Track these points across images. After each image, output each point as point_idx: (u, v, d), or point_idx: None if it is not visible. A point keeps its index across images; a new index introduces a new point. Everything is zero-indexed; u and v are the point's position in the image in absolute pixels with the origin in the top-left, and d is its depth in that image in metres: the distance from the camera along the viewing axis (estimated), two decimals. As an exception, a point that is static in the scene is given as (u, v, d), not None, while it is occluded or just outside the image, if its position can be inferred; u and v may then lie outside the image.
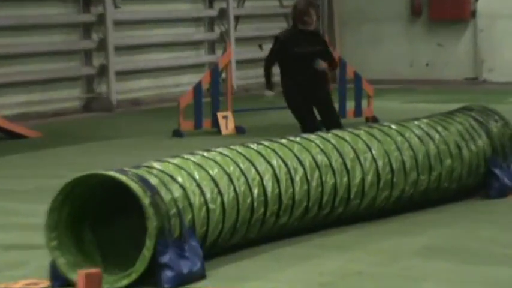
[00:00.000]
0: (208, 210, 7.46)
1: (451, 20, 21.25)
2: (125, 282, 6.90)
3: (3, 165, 14.07)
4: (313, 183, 8.47)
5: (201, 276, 7.21)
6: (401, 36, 22.40)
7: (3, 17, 18.87)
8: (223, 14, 22.47)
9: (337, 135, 9.27)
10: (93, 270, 2.88)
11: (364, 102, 16.33)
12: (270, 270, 7.56)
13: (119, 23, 20.92)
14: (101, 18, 20.56)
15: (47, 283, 7.16)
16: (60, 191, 7.18)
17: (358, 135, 9.34)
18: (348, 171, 8.71)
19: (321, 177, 8.57)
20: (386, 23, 22.45)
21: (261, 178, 7.99)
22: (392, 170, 9.16)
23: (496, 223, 9.26)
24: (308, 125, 12.59)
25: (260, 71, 15.73)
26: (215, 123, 15.96)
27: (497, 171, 10.22)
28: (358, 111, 16.19)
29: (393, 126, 9.82)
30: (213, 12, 23.13)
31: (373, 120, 15.36)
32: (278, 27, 20.80)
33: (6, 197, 11.60)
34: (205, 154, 8.07)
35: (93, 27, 20.26)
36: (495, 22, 21.19)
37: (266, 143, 8.66)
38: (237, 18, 22.76)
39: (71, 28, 20.47)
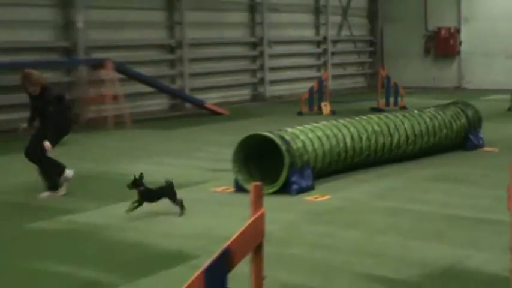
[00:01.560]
0: (316, 154, 10.96)
1: (447, 55, 29.96)
2: (272, 190, 10.26)
3: (212, 128, 18.85)
4: (372, 141, 12.12)
5: (311, 188, 10.62)
6: (419, 63, 30.45)
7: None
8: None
9: (385, 116, 12.95)
10: (257, 183, 4.22)
11: (399, 99, 21.67)
12: (350, 186, 11.03)
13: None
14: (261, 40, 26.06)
15: (233, 189, 10.77)
16: (239, 142, 10.77)
17: (396, 116, 13.16)
18: (390, 134, 12.46)
19: (376, 138, 12.20)
20: (411, 56, 30.50)
21: (344, 137, 11.61)
22: (414, 135, 12.92)
23: (471, 163, 13.04)
24: None
25: (342, 81, 23.20)
26: (319, 108, 20.75)
27: (471, 136, 14.15)
28: (396, 103, 21.51)
29: (415, 111, 13.78)
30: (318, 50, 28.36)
31: (404, 108, 19.99)
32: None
33: (220, 145, 15.36)
34: (314, 124, 11.70)
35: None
36: (471, 56, 29.47)
37: (347, 119, 12.35)
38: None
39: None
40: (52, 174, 11.17)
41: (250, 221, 4.15)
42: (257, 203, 4.22)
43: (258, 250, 4.19)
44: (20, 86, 11.14)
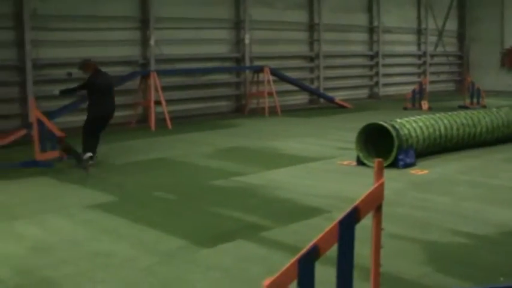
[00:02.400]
0: (418, 139, 10.87)
1: None
2: (384, 164, 10.00)
3: (339, 118, 19.01)
4: (460, 131, 11.83)
5: (414, 164, 10.55)
6: (496, 73, 28.68)
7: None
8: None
9: (470, 112, 12.56)
10: (379, 159, 4.13)
11: (481, 99, 20.68)
12: (443, 164, 10.82)
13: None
14: (376, 53, 25.15)
15: (355, 163, 10.77)
16: (361, 128, 10.79)
17: (479, 112, 12.68)
18: (474, 126, 12.08)
19: (463, 128, 11.90)
20: (490, 67, 28.79)
21: (439, 127, 11.42)
22: (493, 127, 12.41)
23: None
24: None
25: (437, 85, 21.79)
26: (420, 105, 20.17)
27: None
28: (478, 103, 20.44)
29: (494, 109, 13.13)
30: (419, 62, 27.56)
31: (484, 107, 18.96)
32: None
33: (345, 130, 15.90)
34: (417, 117, 11.54)
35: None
36: None
37: (441, 113, 12.04)
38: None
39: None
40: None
41: (374, 186, 4.13)
42: (379, 174, 4.19)
43: (378, 209, 4.16)
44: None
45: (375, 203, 4.14)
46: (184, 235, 6.76)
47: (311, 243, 3.71)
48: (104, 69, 16.83)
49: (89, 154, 11.07)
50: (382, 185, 4.16)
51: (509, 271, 5.61)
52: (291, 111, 20.47)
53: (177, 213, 7.87)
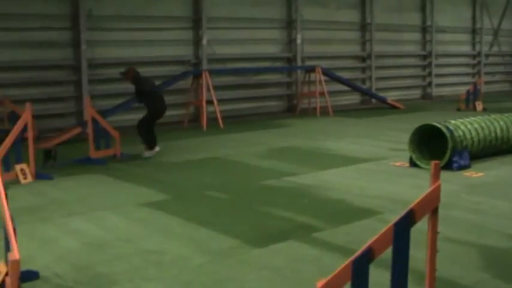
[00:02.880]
0: (472, 141, 10.62)
1: None
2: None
3: (392, 118, 19.01)
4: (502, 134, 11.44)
5: (469, 166, 10.33)
6: None
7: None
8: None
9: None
10: (436, 161, 3.98)
11: None
12: (499, 166, 10.53)
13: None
14: (430, 53, 25.41)
15: (408, 165, 10.57)
16: (414, 129, 10.60)
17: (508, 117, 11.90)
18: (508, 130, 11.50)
19: (502, 131, 11.33)
20: None
21: (495, 129, 11.13)
22: None
23: None
24: None
25: (492, 86, 21.37)
26: (474, 106, 19.78)
27: None
28: None
29: None
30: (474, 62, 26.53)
31: None
32: None
33: (398, 131, 15.68)
34: (472, 118, 11.27)
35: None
36: None
37: (497, 115, 11.77)
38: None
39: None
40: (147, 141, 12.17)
41: (430, 189, 4.04)
42: (436, 177, 4.09)
43: (434, 212, 4.08)
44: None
45: (431, 205, 4.06)
46: (236, 234, 6.78)
47: (366, 245, 3.68)
48: (157, 68, 17.41)
49: (157, 148, 12.22)
50: (438, 188, 4.07)
51: None
52: (342, 111, 20.33)
53: (229, 212, 7.90)
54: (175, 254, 6.18)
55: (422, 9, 25.39)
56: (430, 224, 4.09)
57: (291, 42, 20.72)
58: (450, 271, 5.50)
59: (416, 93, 25.56)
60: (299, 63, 20.68)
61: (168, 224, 7.32)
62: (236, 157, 11.88)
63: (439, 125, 10.43)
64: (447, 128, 10.40)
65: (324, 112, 19.23)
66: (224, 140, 14.29)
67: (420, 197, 3.99)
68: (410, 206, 3.95)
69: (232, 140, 14.21)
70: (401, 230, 3.87)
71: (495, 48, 28.72)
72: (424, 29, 25.50)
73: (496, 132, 11.14)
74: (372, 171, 10.30)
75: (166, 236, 6.81)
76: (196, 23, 18.40)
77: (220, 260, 6.00)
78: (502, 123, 11.36)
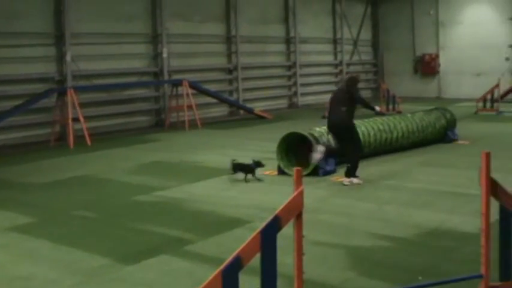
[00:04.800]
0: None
1: (429, 73, 29.60)
2: (305, 173, 10.09)
3: (259, 129, 18.92)
4: (378, 137, 12.13)
5: (334, 171, 10.67)
6: (410, 79, 30.23)
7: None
8: None
9: (387, 118, 12.97)
10: (298, 168, 4.14)
11: (396, 105, 21.44)
12: (362, 170, 10.51)
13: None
14: (294, 63, 25.41)
15: (276, 173, 10.83)
16: (281, 138, 10.93)
17: (395, 118, 13.16)
18: (391, 132, 12.41)
19: (380, 134, 12.19)
20: (404, 74, 30.39)
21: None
22: (408, 132, 12.82)
23: (449, 152, 12.88)
24: None
25: None
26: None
27: (449, 132, 13.98)
28: (394, 109, 21.25)
29: (408, 115, 13.66)
30: (336, 71, 27.46)
31: (400, 112, 19.33)
32: None
33: (266, 141, 15.85)
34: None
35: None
36: (447, 74, 29.08)
37: (360, 120, 11.96)
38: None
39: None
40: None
41: (293, 195, 4.18)
42: (298, 182, 4.24)
43: (299, 217, 4.22)
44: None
45: (295, 211, 4.20)
46: (107, 253, 6.66)
47: (233, 254, 3.73)
48: (19, 87, 16.69)
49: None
50: (301, 193, 4.22)
51: (427, 270, 5.82)
52: (211, 123, 20.42)
53: (99, 231, 7.74)
54: (43, 278, 5.98)
55: (286, 20, 26.06)
56: (295, 228, 4.22)
57: (157, 56, 20.56)
58: (318, 272, 5.71)
59: (283, 102, 26.15)
60: (166, 77, 20.56)
61: (35, 247, 7.06)
62: (105, 174, 11.64)
63: (304, 133, 10.73)
64: (312, 135, 10.70)
65: (193, 125, 19.21)
66: (92, 157, 13.94)
67: (284, 203, 4.11)
68: (275, 212, 4.06)
69: (101, 157, 13.89)
70: (268, 237, 3.97)
71: (355, 57, 30.08)
72: (288, 40, 26.15)
73: (357, 137, 11.56)
74: (240, 181, 10.40)
75: (34, 260, 6.57)
76: (59, 39, 17.84)
77: (92, 279, 5.88)
78: (363, 128, 11.89)
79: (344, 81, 11.04)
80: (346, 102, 10.12)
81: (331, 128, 10.23)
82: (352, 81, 10.46)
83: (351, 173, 9.95)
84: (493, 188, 4.75)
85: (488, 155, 4.67)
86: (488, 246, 4.74)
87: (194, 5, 21.92)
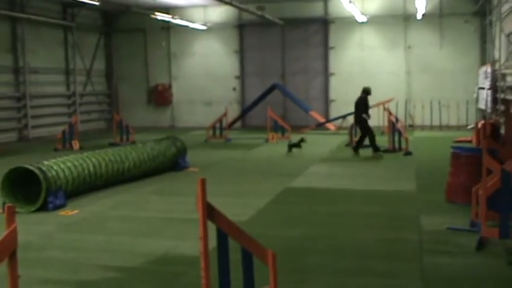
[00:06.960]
0: (67, 179, 10.71)
1: (163, 103, 30.41)
2: (34, 208, 10.02)
3: None
4: (109, 168, 12.08)
5: (64, 205, 10.41)
6: (144, 109, 30.39)
7: None
8: None
9: (118, 149, 13.04)
10: (10, 204, 4.00)
11: (130, 135, 20.55)
12: (94, 202, 10.81)
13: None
14: (24, 94, 23.70)
15: (1, 211, 9.71)
16: (5, 174, 10.26)
17: (126, 148, 13.21)
18: (123, 162, 12.46)
19: (112, 165, 12.16)
20: (138, 104, 30.31)
21: (88, 166, 11.42)
22: (140, 161, 13.01)
23: (180, 179, 13.13)
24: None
25: (88, 124, 20.16)
26: (71, 145, 20.14)
27: (180, 160, 14.36)
28: (127, 139, 21.25)
29: (140, 144, 13.91)
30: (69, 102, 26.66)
31: (133, 142, 19.17)
32: None
33: None
34: (65, 157, 11.33)
35: None
36: (180, 104, 29.45)
37: (90, 152, 12.12)
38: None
39: None
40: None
41: (5, 234, 3.98)
42: (10, 220, 4.04)
43: (13, 255, 4.02)
44: None
45: (8, 250, 4.00)
46: None
47: None
48: None
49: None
50: (14, 231, 4.03)
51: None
52: None
53: None
54: None
55: (14, 49, 24.94)
56: (9, 269, 4.01)
57: None
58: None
59: (12, 136, 24.78)
60: None
61: None
62: None
63: (31, 167, 10.32)
64: (40, 169, 10.36)
65: None
66: None
67: (-6, 244, 3.90)
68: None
69: None
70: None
71: (89, 88, 29.73)
72: (17, 70, 25.02)
73: (89, 169, 11.48)
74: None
75: None
76: None
77: None
78: (94, 160, 11.76)
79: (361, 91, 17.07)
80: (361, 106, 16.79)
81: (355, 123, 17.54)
82: (365, 91, 17.04)
83: (373, 149, 16.42)
84: (210, 212, 4.98)
85: (203, 181, 4.85)
86: (207, 268, 4.93)
87: None
